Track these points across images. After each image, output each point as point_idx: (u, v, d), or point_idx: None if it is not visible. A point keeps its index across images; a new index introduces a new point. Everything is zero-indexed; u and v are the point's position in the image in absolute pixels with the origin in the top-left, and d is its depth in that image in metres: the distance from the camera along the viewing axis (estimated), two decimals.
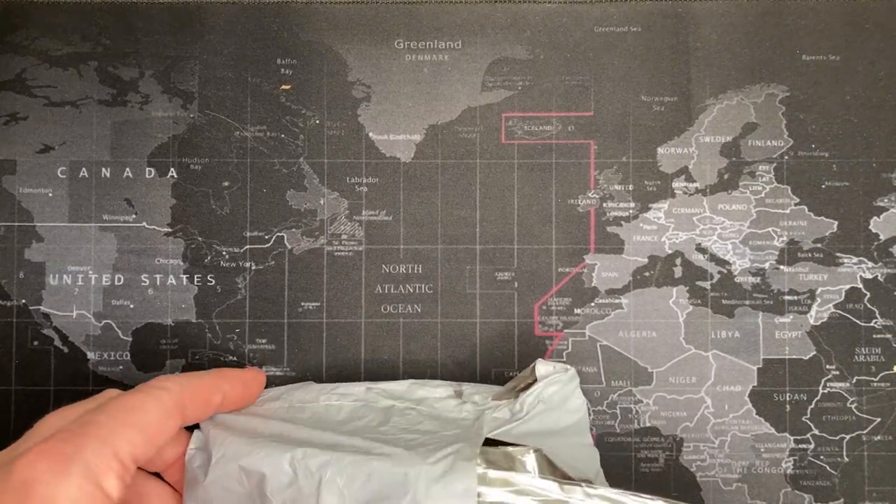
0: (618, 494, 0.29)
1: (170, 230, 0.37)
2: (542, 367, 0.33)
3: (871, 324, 0.37)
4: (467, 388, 0.35)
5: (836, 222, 0.37)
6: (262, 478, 0.29)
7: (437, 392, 0.34)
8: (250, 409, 0.33)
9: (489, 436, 0.31)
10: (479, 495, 0.28)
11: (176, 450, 0.31)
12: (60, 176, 0.37)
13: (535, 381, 0.33)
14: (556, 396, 0.33)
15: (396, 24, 0.38)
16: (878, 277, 0.37)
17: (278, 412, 0.33)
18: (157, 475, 0.32)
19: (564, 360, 0.37)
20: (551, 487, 0.29)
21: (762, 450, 0.36)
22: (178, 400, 0.29)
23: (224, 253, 0.37)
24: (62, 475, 0.24)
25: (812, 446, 0.36)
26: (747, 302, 0.37)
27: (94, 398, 0.29)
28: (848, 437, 0.36)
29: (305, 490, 0.29)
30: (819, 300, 0.37)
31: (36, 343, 0.37)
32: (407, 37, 0.38)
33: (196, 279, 0.37)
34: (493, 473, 0.29)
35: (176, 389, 0.29)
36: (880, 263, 0.37)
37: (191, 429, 0.32)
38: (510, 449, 0.30)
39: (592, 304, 0.37)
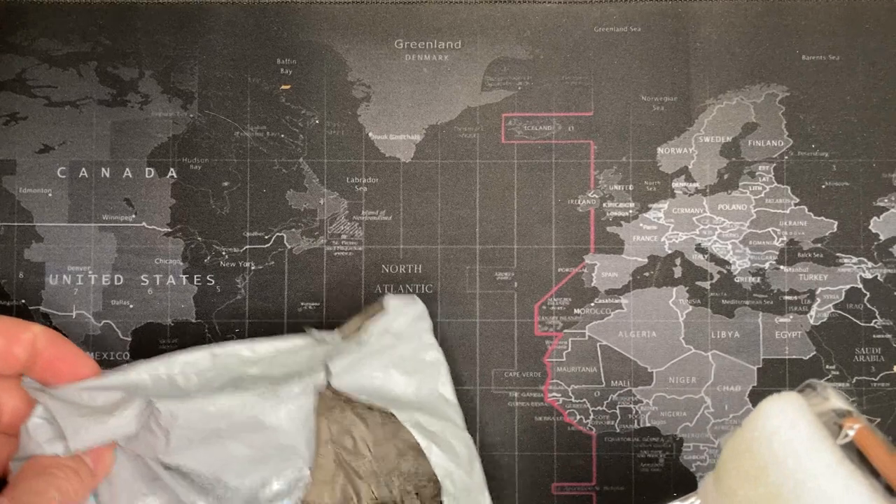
0: None
1: (169, 230, 0.37)
2: (391, 299, 0.33)
3: (871, 324, 0.37)
4: (318, 333, 0.33)
5: (836, 222, 0.37)
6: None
7: (287, 343, 0.32)
8: (89, 382, 0.30)
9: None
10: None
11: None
12: (60, 176, 0.37)
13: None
14: (406, 330, 0.33)
15: (396, 24, 0.38)
16: (878, 277, 0.37)
17: (117, 379, 0.31)
18: None
19: (564, 360, 0.37)
20: None
21: None
22: None
23: (224, 253, 0.37)
24: None
25: None
26: (747, 302, 0.37)
27: None
28: None
29: (155, 438, 0.29)
30: (819, 300, 0.37)
31: None
32: (407, 37, 0.38)
33: (196, 279, 0.37)
34: None
35: None
36: (880, 263, 0.37)
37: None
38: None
39: (592, 304, 0.37)
